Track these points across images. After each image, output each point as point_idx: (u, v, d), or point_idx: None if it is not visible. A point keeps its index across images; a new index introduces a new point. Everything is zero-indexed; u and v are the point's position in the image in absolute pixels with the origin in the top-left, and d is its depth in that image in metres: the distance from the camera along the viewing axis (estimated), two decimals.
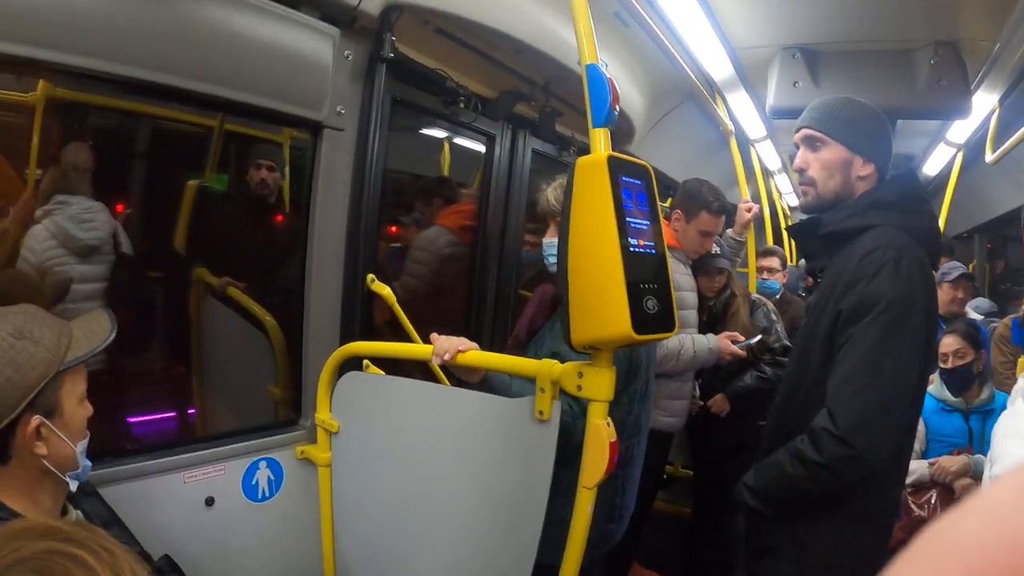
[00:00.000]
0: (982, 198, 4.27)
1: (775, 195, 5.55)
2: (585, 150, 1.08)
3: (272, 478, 1.56)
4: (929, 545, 0.22)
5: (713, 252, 2.32)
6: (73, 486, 0.98)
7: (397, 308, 1.71)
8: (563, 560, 1.14)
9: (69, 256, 1.56)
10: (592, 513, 1.12)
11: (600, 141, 1.04)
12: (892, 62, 2.39)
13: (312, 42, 1.40)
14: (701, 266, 2.34)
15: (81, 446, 0.97)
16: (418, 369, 1.85)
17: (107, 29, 1.10)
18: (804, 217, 1.48)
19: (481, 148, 2.37)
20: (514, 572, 1.22)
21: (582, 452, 1.10)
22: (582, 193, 1.04)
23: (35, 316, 0.95)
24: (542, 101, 2.26)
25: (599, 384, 1.08)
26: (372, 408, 1.47)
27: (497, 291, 2.36)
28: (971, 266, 4.86)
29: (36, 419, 0.90)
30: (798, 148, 1.40)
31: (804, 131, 1.37)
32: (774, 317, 2.52)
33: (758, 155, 4.09)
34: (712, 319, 2.39)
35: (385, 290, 1.69)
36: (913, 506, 2.20)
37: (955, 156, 3.59)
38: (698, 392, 2.51)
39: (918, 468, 2.23)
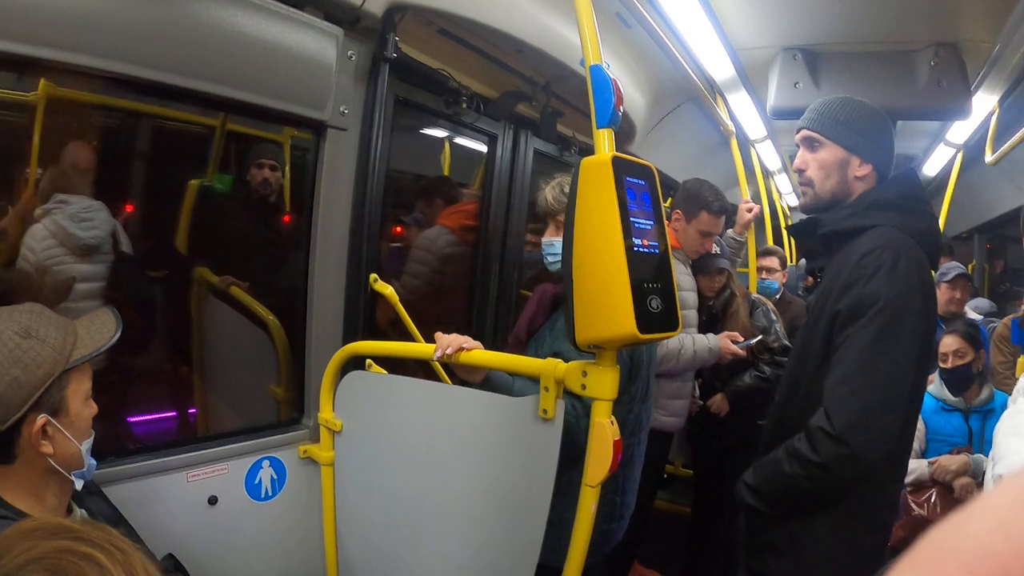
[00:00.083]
0: (982, 198, 4.28)
1: (775, 195, 5.56)
2: (587, 150, 1.08)
3: (275, 477, 1.56)
4: (932, 548, 0.21)
5: (713, 252, 2.32)
6: (78, 485, 0.98)
7: (400, 308, 1.71)
8: (567, 559, 1.14)
9: (68, 255, 1.55)
10: (595, 512, 1.12)
11: (604, 141, 1.05)
12: (892, 63, 2.40)
13: (316, 42, 1.40)
14: (701, 266, 2.34)
15: (86, 445, 0.97)
16: (421, 369, 1.85)
17: (110, 28, 1.10)
18: (804, 217, 1.49)
19: (483, 148, 2.37)
20: (517, 571, 1.22)
21: (585, 452, 1.10)
22: (586, 193, 1.04)
23: (41, 315, 0.95)
24: (544, 101, 2.26)
25: (603, 383, 1.08)
26: (375, 407, 1.47)
27: (499, 291, 2.36)
28: (970, 266, 4.88)
29: (42, 418, 0.90)
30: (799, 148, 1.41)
31: (803, 132, 1.38)
32: (774, 317, 2.52)
33: (758, 155, 4.09)
34: (712, 319, 2.40)
35: (388, 290, 1.69)
36: (913, 505, 2.21)
37: (955, 157, 3.60)
38: (698, 392, 2.51)
39: (918, 467, 2.24)
